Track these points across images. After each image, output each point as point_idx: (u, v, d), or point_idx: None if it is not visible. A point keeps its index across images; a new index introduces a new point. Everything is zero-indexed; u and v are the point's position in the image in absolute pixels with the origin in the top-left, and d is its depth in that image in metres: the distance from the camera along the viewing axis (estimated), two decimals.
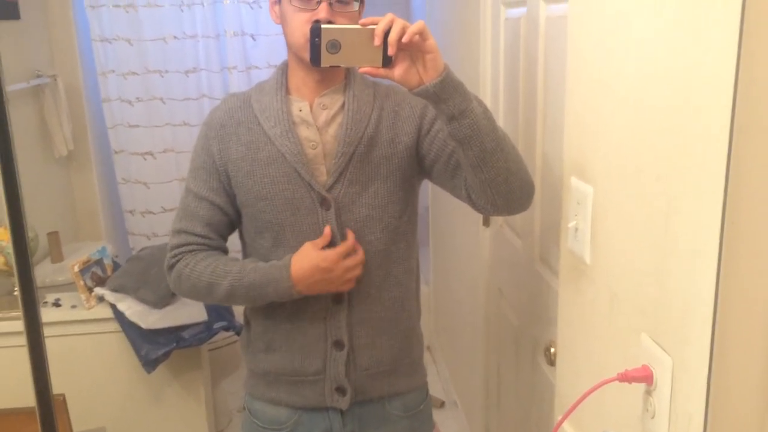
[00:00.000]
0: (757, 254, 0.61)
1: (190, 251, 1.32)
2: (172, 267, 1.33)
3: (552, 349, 1.38)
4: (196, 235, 1.32)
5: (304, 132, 1.29)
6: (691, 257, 0.67)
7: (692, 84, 0.66)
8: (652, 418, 0.76)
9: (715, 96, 0.61)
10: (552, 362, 1.37)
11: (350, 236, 1.29)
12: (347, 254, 1.28)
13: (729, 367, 0.63)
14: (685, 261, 0.68)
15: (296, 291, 1.27)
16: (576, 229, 0.98)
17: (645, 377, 0.76)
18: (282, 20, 1.27)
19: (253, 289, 1.27)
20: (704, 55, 0.63)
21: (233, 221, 1.36)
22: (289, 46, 1.28)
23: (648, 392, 0.77)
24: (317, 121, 1.29)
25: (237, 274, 1.28)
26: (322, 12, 1.19)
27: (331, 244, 1.28)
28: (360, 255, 1.30)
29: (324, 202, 1.28)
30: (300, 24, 1.22)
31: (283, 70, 1.33)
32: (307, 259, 1.26)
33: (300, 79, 1.30)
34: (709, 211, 0.63)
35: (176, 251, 1.32)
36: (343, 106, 1.30)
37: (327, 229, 1.28)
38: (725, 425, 0.65)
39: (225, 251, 1.37)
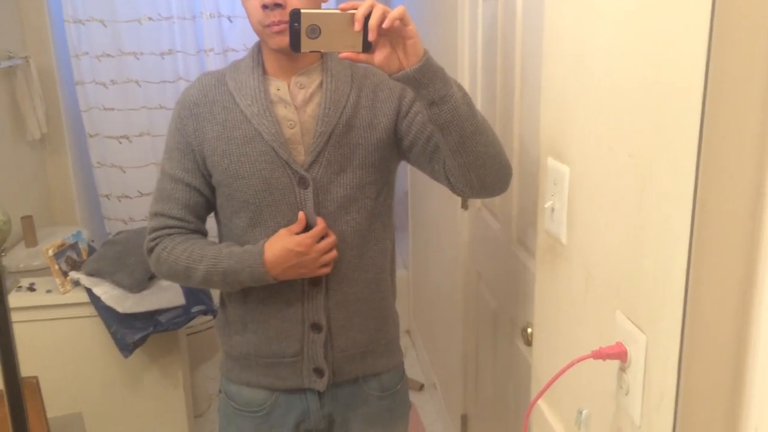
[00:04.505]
0: (727, 232, 0.62)
1: (168, 234, 1.32)
2: (151, 250, 1.33)
3: (529, 330, 1.39)
4: (173, 218, 1.32)
5: (282, 111, 1.28)
6: (664, 235, 0.67)
7: (664, 61, 0.66)
8: (626, 394, 0.77)
9: (686, 73, 0.61)
10: (529, 343, 1.38)
11: (320, 222, 1.28)
12: (321, 237, 1.27)
13: (700, 344, 0.64)
14: (658, 239, 0.69)
15: (271, 277, 1.26)
16: (552, 210, 0.98)
17: (619, 354, 0.77)
18: (243, 7, 1.27)
19: (228, 275, 1.27)
20: (676, 33, 0.63)
21: (210, 201, 1.36)
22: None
23: (622, 369, 0.78)
24: (295, 100, 1.28)
25: (212, 260, 1.27)
26: None
27: (307, 228, 1.28)
28: (332, 238, 1.29)
29: (302, 182, 1.27)
30: (252, 9, 1.22)
31: (259, 48, 1.32)
32: (280, 244, 1.25)
33: (274, 59, 1.29)
34: (681, 190, 0.63)
35: (155, 234, 1.32)
36: (320, 85, 1.29)
37: (301, 215, 1.27)
38: (696, 401, 0.65)
39: (204, 233, 1.36)
